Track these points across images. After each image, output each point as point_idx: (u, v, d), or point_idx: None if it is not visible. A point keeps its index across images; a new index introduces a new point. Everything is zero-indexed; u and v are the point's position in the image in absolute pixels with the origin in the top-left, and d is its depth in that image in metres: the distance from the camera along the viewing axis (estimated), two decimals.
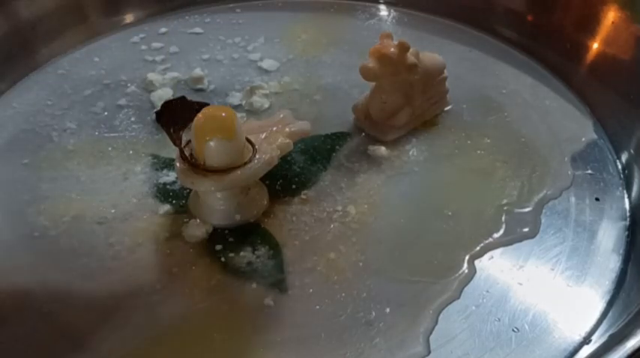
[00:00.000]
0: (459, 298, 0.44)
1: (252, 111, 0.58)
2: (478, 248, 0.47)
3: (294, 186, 0.51)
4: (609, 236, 0.49)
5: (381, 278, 0.45)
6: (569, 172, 0.53)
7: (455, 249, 0.47)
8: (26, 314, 0.44)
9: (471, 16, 0.68)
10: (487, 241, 0.48)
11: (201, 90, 0.60)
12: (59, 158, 0.54)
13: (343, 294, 0.44)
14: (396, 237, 0.48)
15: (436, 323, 0.43)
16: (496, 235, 0.48)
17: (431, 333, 0.42)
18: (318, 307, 0.44)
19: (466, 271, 0.46)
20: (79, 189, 0.51)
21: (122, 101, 0.59)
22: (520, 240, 0.48)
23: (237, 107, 0.58)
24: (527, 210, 0.50)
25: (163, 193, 0.51)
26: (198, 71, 0.62)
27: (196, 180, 0.45)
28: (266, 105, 0.58)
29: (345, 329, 0.43)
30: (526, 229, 0.49)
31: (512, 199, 0.51)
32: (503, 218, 0.49)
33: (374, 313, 0.43)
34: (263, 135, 0.48)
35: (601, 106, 0.58)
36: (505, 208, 0.50)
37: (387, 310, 0.43)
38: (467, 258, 0.47)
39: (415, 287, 0.45)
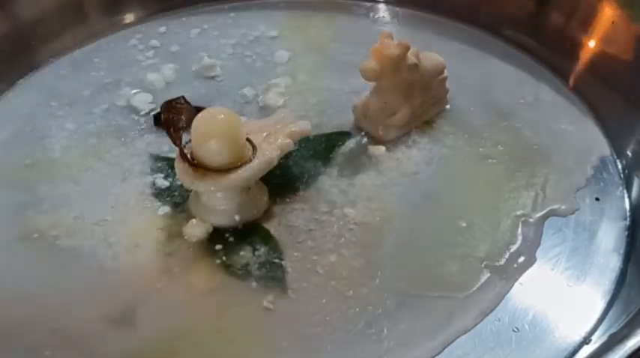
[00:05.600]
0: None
1: (252, 112, 0.58)
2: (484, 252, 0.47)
3: (294, 186, 0.51)
4: (609, 236, 0.49)
5: (382, 282, 0.45)
6: (571, 173, 0.53)
7: (459, 250, 0.47)
8: (23, 313, 0.44)
9: (472, 16, 0.68)
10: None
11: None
12: (58, 158, 0.54)
13: (343, 297, 0.44)
14: (397, 237, 0.48)
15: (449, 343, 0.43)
16: (512, 246, 0.48)
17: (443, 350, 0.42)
18: (318, 310, 0.44)
19: (482, 282, 0.46)
20: (78, 190, 0.51)
21: (122, 101, 0.59)
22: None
23: (235, 107, 0.58)
24: (534, 217, 0.50)
25: (163, 193, 0.51)
26: (207, 60, 0.62)
27: (196, 180, 0.45)
28: (269, 103, 0.58)
29: (345, 334, 0.43)
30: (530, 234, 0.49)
31: (515, 202, 0.50)
32: (509, 222, 0.49)
33: (372, 317, 0.43)
34: (263, 135, 0.47)
35: (601, 106, 0.58)
36: (507, 210, 0.50)
37: (386, 316, 0.43)
38: (482, 265, 0.46)
39: (419, 290, 0.45)
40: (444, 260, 0.46)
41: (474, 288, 0.45)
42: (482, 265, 0.46)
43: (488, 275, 0.46)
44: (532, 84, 0.61)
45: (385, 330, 0.43)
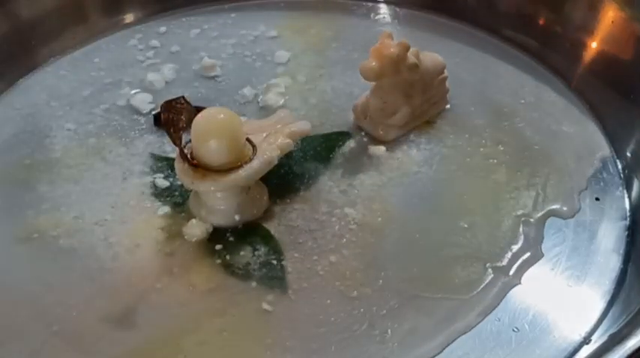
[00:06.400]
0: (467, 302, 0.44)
1: (252, 112, 0.58)
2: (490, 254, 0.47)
3: (294, 186, 0.51)
4: (609, 236, 0.49)
5: (385, 283, 0.45)
6: (572, 173, 0.53)
7: (461, 251, 0.47)
8: (23, 313, 0.44)
9: (472, 16, 0.68)
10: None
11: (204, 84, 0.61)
12: (59, 159, 0.54)
13: (346, 298, 0.44)
14: (398, 237, 0.48)
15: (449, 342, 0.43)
16: (514, 246, 0.48)
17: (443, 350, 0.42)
18: (319, 310, 0.44)
19: (487, 282, 0.45)
20: (78, 190, 0.51)
21: (122, 101, 0.59)
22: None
23: (235, 107, 0.58)
24: (535, 217, 0.50)
25: (163, 193, 0.51)
26: (206, 60, 0.62)
27: (196, 180, 0.45)
28: (270, 103, 0.58)
29: (350, 335, 0.43)
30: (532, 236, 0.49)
31: (516, 202, 0.50)
32: (509, 222, 0.49)
33: (376, 318, 0.43)
34: (263, 135, 0.47)
35: (601, 106, 0.58)
36: (508, 210, 0.50)
37: (387, 320, 0.43)
38: (488, 265, 0.46)
39: (422, 291, 0.45)
40: (446, 261, 0.46)
41: (478, 290, 0.45)
42: (484, 266, 0.46)
43: (491, 276, 0.46)
44: (532, 84, 0.61)
45: (389, 331, 0.43)
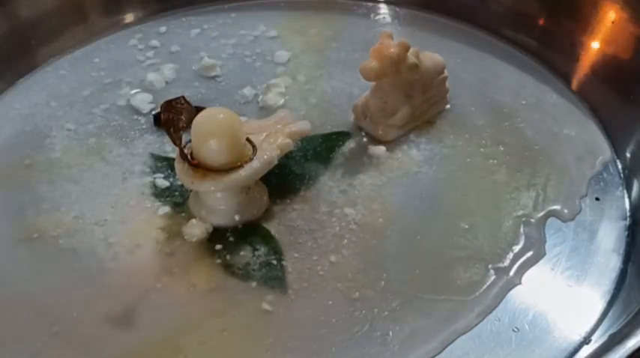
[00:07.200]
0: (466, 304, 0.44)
1: (252, 112, 0.58)
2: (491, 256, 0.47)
3: (294, 186, 0.51)
4: (609, 236, 0.49)
5: (387, 284, 0.45)
6: (572, 173, 0.53)
7: (462, 252, 0.47)
8: (24, 313, 0.44)
9: (472, 16, 0.68)
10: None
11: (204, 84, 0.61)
12: (59, 159, 0.54)
13: (346, 299, 0.44)
14: (399, 238, 0.48)
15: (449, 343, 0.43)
16: (515, 247, 0.48)
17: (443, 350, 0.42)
18: (320, 311, 0.44)
19: (488, 283, 0.45)
20: (78, 190, 0.51)
21: (122, 101, 0.59)
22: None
23: (235, 107, 0.58)
24: (535, 218, 0.50)
25: (163, 193, 0.51)
26: (206, 60, 0.62)
27: (196, 180, 0.45)
28: (270, 103, 0.58)
29: (351, 337, 0.43)
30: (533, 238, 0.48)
31: (516, 202, 0.50)
32: (509, 222, 0.49)
33: (377, 320, 0.43)
34: (263, 135, 0.48)
35: (601, 106, 0.58)
36: (508, 211, 0.50)
37: (388, 323, 0.43)
38: (490, 266, 0.46)
39: (425, 293, 0.45)
40: (448, 262, 0.46)
41: (480, 291, 0.45)
42: (486, 267, 0.46)
43: (493, 277, 0.46)
44: (532, 84, 0.61)
45: (391, 333, 0.43)
